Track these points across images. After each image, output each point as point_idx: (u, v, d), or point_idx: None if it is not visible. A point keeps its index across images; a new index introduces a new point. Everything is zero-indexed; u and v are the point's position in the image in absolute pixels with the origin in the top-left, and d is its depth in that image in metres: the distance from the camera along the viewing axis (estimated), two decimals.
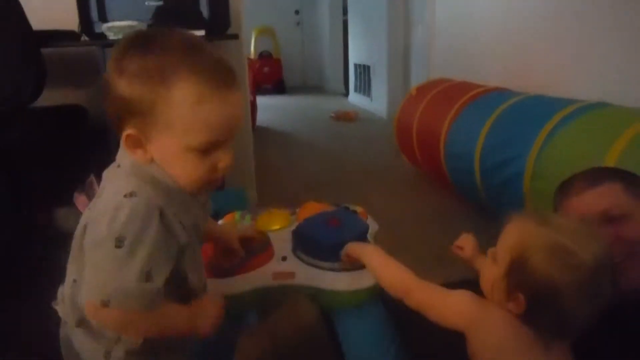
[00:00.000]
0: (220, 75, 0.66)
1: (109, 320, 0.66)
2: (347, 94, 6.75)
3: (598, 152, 1.41)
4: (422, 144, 2.66)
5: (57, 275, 0.76)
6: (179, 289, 0.73)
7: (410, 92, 3.04)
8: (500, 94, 2.31)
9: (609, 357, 0.80)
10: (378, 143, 4.01)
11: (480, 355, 0.70)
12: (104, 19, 1.85)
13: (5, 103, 1.65)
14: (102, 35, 1.80)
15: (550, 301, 0.65)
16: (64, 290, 0.74)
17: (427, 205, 2.52)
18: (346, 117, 5.11)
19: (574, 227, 0.68)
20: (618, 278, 0.68)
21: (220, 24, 1.97)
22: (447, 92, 2.67)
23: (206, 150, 0.67)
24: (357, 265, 0.92)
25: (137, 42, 0.66)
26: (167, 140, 0.66)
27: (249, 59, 7.13)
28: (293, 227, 1.05)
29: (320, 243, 0.96)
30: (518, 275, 0.67)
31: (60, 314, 0.76)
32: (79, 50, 2.12)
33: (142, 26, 1.75)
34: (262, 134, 4.37)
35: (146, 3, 1.86)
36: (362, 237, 1.00)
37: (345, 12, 6.66)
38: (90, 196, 1.65)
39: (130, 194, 0.64)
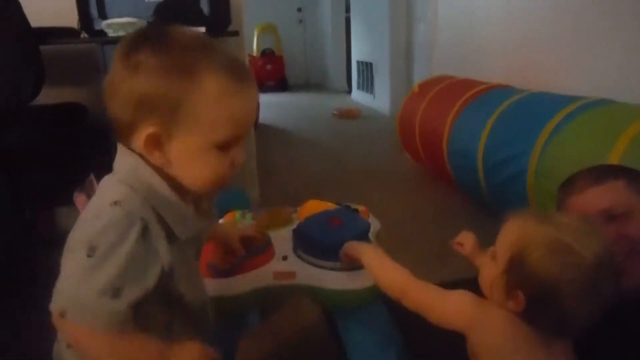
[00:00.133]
0: (241, 71, 0.66)
1: (66, 333, 0.63)
2: (349, 91, 6.75)
3: (602, 149, 1.40)
4: (425, 141, 2.66)
5: (56, 276, 0.74)
6: (174, 309, 0.71)
7: (412, 90, 3.03)
8: (503, 91, 2.30)
9: (609, 356, 0.79)
10: (381, 140, 4.00)
11: (481, 356, 0.69)
12: (103, 15, 1.85)
13: (4, 102, 1.64)
14: (101, 32, 1.79)
15: (550, 299, 0.65)
16: None
17: (429, 203, 2.51)
18: (349, 115, 5.10)
19: (575, 225, 0.67)
20: (619, 276, 0.67)
21: (221, 21, 1.96)
22: (449, 89, 2.66)
23: (227, 146, 0.66)
24: (358, 264, 0.91)
25: (152, 38, 0.64)
26: (191, 137, 0.64)
27: (251, 56, 7.19)
28: (294, 226, 1.05)
29: (320, 242, 0.96)
30: (517, 272, 0.67)
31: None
32: (78, 47, 2.11)
33: (142, 23, 1.75)
34: (264, 132, 4.36)
35: (146, 0, 1.85)
36: (363, 237, 0.99)
37: (347, 9, 6.65)
38: (90, 196, 1.64)
39: (115, 203, 0.62)
